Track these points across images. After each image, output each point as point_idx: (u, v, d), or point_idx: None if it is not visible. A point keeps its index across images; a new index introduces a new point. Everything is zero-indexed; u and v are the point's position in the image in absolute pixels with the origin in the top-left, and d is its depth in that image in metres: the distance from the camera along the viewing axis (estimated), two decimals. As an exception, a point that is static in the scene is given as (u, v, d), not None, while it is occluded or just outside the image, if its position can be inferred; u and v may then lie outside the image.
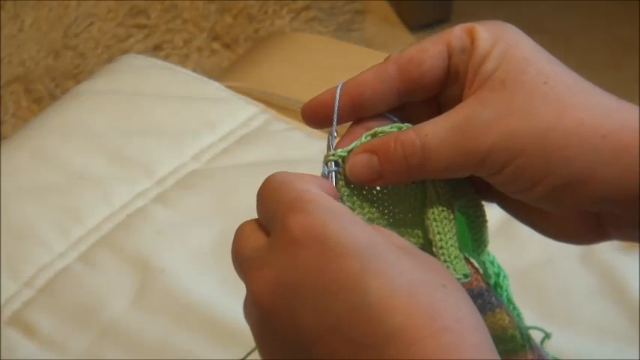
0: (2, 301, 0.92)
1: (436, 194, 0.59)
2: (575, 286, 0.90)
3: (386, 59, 0.59)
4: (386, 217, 0.59)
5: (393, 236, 0.54)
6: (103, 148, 1.05)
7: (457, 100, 0.58)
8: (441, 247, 0.57)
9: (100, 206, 0.99)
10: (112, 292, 0.92)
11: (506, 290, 0.60)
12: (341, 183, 0.58)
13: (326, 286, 0.50)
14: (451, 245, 0.58)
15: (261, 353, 0.54)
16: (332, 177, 0.58)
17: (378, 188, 0.59)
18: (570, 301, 0.89)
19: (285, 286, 0.51)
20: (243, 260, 0.55)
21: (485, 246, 0.61)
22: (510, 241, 0.93)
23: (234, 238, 0.56)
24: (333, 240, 0.51)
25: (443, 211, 0.58)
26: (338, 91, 0.59)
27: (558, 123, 0.55)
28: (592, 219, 0.59)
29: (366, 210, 0.59)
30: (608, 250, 0.93)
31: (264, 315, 0.52)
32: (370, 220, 0.59)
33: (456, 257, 0.57)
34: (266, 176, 0.57)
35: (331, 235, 0.51)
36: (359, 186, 0.59)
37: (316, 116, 0.60)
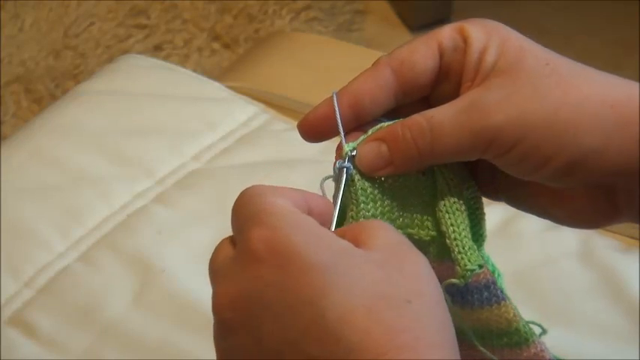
0: (2, 301, 0.92)
1: (447, 185, 0.58)
2: (574, 285, 0.90)
3: (375, 62, 0.59)
4: (396, 210, 0.59)
5: (372, 238, 0.53)
6: (103, 148, 1.05)
7: (449, 97, 0.58)
8: (455, 239, 0.57)
9: (100, 206, 0.99)
10: (112, 292, 0.92)
11: (501, 287, 0.60)
12: (357, 177, 0.58)
13: (287, 300, 0.50)
14: (464, 236, 0.57)
15: None
16: (343, 173, 0.58)
17: (389, 181, 0.59)
18: (570, 301, 0.89)
19: (246, 301, 0.51)
20: (211, 273, 0.55)
21: (484, 240, 0.61)
22: (510, 241, 0.93)
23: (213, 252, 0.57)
24: (296, 254, 0.51)
25: (455, 202, 0.58)
26: (335, 101, 0.59)
27: (566, 99, 0.55)
28: (604, 199, 0.58)
29: (378, 204, 0.59)
30: (608, 250, 0.93)
31: (225, 329, 0.53)
32: (382, 215, 0.59)
33: (470, 248, 0.57)
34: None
35: (294, 249, 0.51)
36: (370, 179, 0.59)
37: (316, 130, 0.59)
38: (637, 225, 0.60)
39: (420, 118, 0.57)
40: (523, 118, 0.55)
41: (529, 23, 2.08)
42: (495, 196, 0.61)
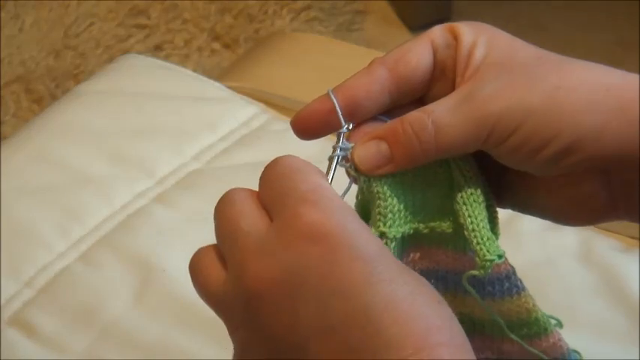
0: (3, 301, 0.92)
1: (463, 177, 0.58)
2: (574, 285, 0.90)
3: (370, 63, 0.59)
4: (418, 204, 0.59)
5: None
6: (103, 148, 1.05)
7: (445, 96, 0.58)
8: (473, 230, 0.57)
9: (100, 206, 0.99)
10: (112, 292, 0.92)
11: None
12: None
13: (332, 286, 0.50)
14: (483, 227, 0.57)
15: (239, 351, 0.53)
16: (335, 156, 0.58)
17: (409, 175, 0.58)
18: (570, 301, 0.89)
19: (288, 279, 0.51)
20: (237, 239, 0.53)
21: (497, 237, 0.61)
22: (510, 241, 0.93)
23: (218, 211, 0.56)
24: (347, 242, 0.51)
25: (472, 194, 0.58)
26: (333, 96, 0.58)
27: (562, 83, 0.56)
28: (602, 189, 0.58)
29: (402, 199, 0.58)
30: (608, 250, 0.93)
31: (257, 306, 0.51)
32: (405, 209, 0.58)
33: (488, 239, 0.57)
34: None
35: (346, 236, 0.51)
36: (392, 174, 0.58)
37: (309, 127, 0.59)
38: (636, 224, 0.60)
39: (419, 113, 0.57)
40: (521, 103, 0.55)
41: (529, 22, 2.08)
42: (499, 202, 0.61)
